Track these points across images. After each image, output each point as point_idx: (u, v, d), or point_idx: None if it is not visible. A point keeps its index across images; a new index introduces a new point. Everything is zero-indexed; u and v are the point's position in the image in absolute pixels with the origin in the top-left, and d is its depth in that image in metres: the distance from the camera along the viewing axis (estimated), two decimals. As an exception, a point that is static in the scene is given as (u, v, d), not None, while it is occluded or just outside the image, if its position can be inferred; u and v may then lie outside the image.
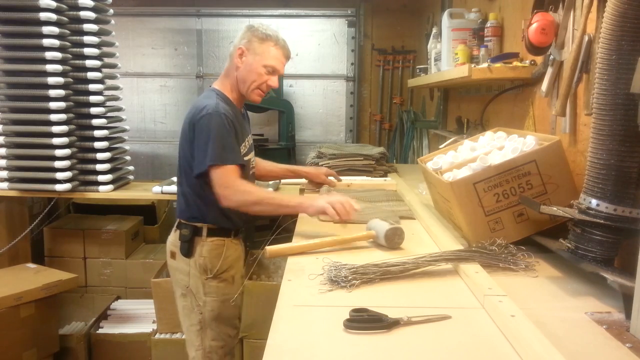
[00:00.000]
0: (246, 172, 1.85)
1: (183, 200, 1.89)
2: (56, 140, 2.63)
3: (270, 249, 1.50)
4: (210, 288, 1.84)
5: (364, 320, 1.01)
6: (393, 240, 1.48)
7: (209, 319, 1.85)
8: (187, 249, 1.83)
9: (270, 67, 1.80)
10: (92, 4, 2.71)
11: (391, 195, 2.09)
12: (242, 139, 1.83)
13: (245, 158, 1.84)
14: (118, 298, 3.23)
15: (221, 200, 1.71)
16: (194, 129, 1.75)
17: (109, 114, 2.86)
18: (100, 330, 2.90)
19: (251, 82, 1.81)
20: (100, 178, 2.78)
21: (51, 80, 2.58)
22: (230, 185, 1.68)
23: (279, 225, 2.25)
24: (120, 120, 3.03)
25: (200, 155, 1.72)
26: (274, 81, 1.83)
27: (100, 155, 2.78)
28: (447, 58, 2.60)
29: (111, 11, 2.93)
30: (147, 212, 3.68)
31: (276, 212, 1.76)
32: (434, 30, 2.97)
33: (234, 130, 1.74)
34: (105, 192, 2.81)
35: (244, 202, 1.70)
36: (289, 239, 1.62)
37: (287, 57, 1.87)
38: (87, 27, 2.69)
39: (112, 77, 2.96)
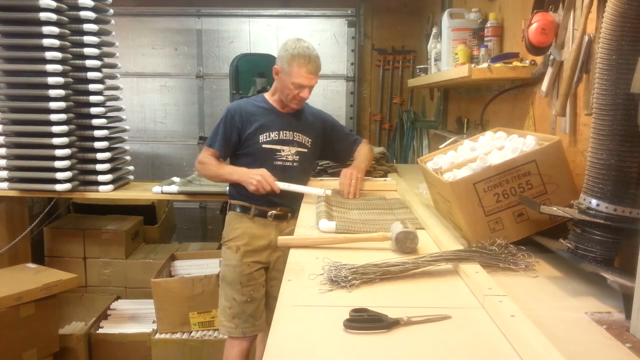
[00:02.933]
0: (266, 159, 2.18)
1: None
2: (56, 140, 2.64)
3: (282, 238, 1.54)
4: (222, 253, 2.29)
5: (364, 320, 1.01)
6: (404, 244, 1.46)
7: (220, 279, 2.28)
8: (223, 221, 2.34)
9: (297, 84, 2.12)
10: (92, 4, 2.71)
11: (394, 203, 2.06)
12: (263, 130, 2.19)
13: (266, 146, 2.19)
14: (118, 298, 3.23)
15: (196, 168, 2.30)
16: None
17: (109, 114, 2.87)
18: (100, 330, 2.90)
19: (286, 95, 2.17)
20: (100, 178, 2.79)
21: (51, 80, 2.59)
22: (200, 161, 2.24)
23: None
24: (120, 120, 3.03)
25: None
26: (304, 93, 2.15)
27: (100, 155, 2.78)
28: (447, 58, 2.60)
29: (111, 11, 2.93)
30: (147, 212, 3.68)
31: (225, 182, 2.29)
32: (434, 30, 2.97)
33: (236, 125, 2.18)
34: (105, 192, 2.81)
35: (205, 175, 2.28)
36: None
37: (313, 72, 2.12)
38: (87, 27, 2.69)
39: (112, 77, 2.96)
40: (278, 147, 2.21)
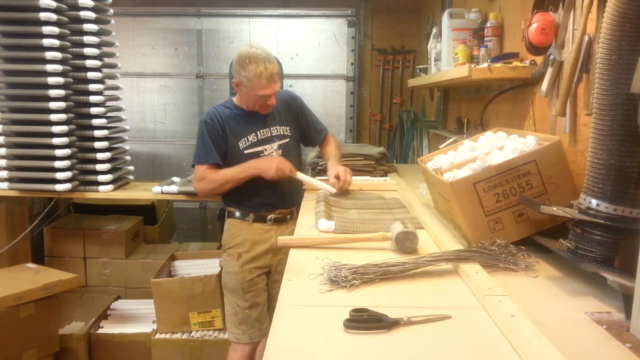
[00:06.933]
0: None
1: None
2: (56, 140, 2.63)
3: (282, 239, 1.55)
4: (223, 260, 2.29)
5: (364, 320, 1.01)
6: (404, 244, 1.46)
7: (223, 286, 2.30)
8: (221, 227, 2.32)
9: (261, 96, 2.10)
10: (92, 4, 2.71)
11: (392, 202, 2.06)
12: (240, 136, 2.17)
13: (248, 151, 2.17)
14: (118, 298, 3.23)
15: (197, 190, 2.21)
16: None
17: (109, 114, 2.86)
18: (100, 330, 2.89)
19: (253, 105, 2.16)
20: (100, 178, 2.78)
21: (51, 80, 2.58)
22: (200, 179, 2.16)
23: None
24: (120, 120, 3.03)
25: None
26: (271, 100, 2.13)
27: (100, 155, 2.78)
28: (447, 58, 2.60)
29: (111, 11, 2.93)
30: (147, 212, 3.67)
31: (241, 182, 2.14)
32: (434, 30, 2.97)
33: (219, 133, 2.14)
34: (105, 192, 2.81)
35: (214, 188, 2.16)
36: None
37: (274, 80, 2.08)
38: (87, 27, 2.69)
39: (112, 77, 2.96)
40: (259, 148, 2.20)
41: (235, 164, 2.16)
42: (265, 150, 2.20)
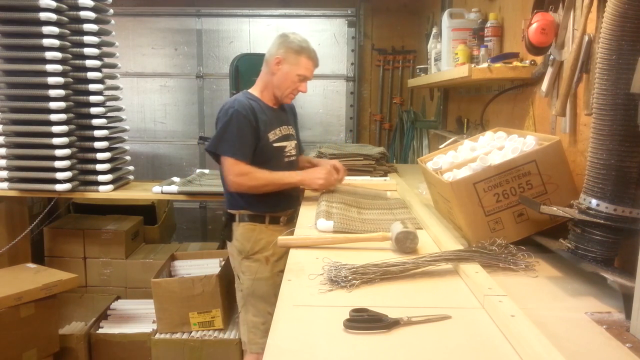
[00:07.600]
0: (278, 158, 2.14)
1: (224, 191, 2.20)
2: (56, 140, 2.64)
3: (282, 238, 1.55)
4: (244, 267, 2.13)
5: (364, 320, 1.01)
6: (404, 244, 1.46)
7: (247, 295, 2.13)
8: (228, 234, 2.19)
9: (302, 76, 2.10)
10: (92, 4, 2.71)
11: (393, 203, 2.06)
12: (269, 129, 2.11)
13: (276, 144, 2.12)
14: (118, 298, 3.23)
15: (232, 186, 2.06)
16: (217, 122, 2.09)
17: (109, 114, 2.87)
18: (100, 330, 2.89)
19: (286, 88, 2.12)
20: (100, 178, 2.79)
21: (51, 80, 2.59)
22: (245, 173, 2.02)
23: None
24: (120, 120, 3.03)
25: (213, 138, 2.07)
26: (304, 87, 2.14)
27: (100, 155, 2.78)
28: (447, 58, 2.60)
29: (111, 11, 2.93)
30: (147, 212, 3.68)
31: (282, 188, 2.08)
32: (434, 30, 2.97)
33: (253, 125, 2.04)
34: (105, 192, 2.81)
35: (255, 186, 2.04)
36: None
37: (316, 65, 2.15)
38: (87, 27, 2.69)
39: (112, 77, 2.96)
40: (285, 143, 2.17)
41: (263, 156, 2.08)
42: (287, 147, 2.17)
